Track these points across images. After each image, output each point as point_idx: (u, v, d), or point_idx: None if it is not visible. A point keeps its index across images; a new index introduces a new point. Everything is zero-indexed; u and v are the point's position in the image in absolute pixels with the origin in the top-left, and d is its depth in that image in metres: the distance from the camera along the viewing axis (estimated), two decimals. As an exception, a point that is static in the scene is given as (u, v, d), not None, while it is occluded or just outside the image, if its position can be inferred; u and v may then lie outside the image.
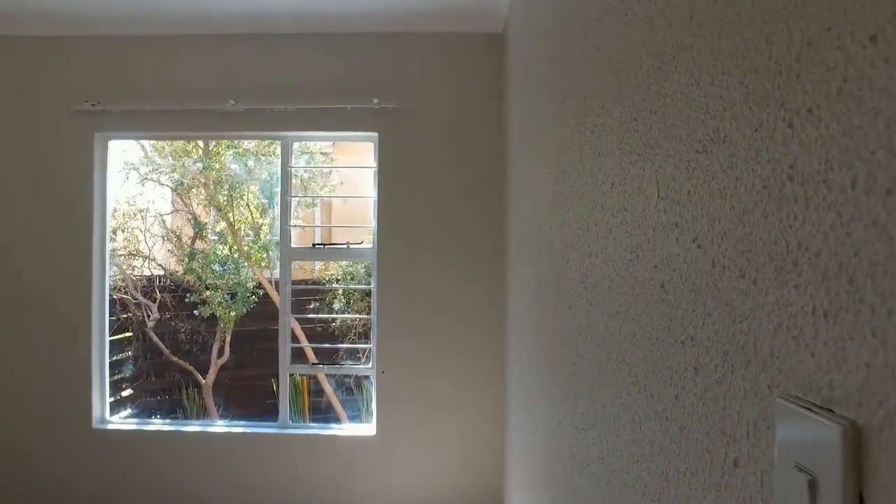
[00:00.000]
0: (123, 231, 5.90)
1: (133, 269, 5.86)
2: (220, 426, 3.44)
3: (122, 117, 3.31)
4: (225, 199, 5.04)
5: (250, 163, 4.94)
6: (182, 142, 4.90)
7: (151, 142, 5.09)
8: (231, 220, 5.17)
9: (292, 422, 5.93)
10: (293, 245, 3.42)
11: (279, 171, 3.44)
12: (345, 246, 3.37)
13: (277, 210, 3.47)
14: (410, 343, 3.29)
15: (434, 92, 3.29)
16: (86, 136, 3.34)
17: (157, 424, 3.45)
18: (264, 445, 3.35)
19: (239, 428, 3.40)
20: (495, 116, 3.25)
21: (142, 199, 5.86)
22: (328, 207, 7.15)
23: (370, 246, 3.39)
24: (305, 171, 5.25)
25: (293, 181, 4.71)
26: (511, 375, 2.86)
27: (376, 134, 3.30)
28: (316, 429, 3.41)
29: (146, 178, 5.89)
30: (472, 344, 3.28)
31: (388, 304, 3.29)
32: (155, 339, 5.42)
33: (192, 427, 3.42)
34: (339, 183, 5.78)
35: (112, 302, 5.91)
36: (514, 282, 2.70)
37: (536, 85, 2.05)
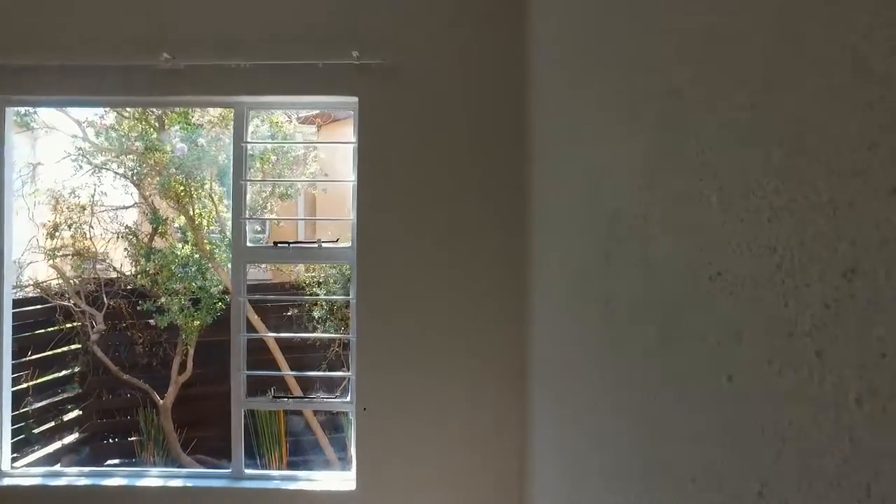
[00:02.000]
0: (70, 227, 5.09)
1: (82, 272, 5.05)
2: (154, 476, 2.65)
3: (21, 76, 2.52)
4: (182, 188, 4.24)
5: (201, 141, 4.11)
6: (131, 120, 4.11)
7: (92, 123, 4.27)
8: (191, 213, 4.37)
9: (258, 464, 5.18)
10: (250, 244, 2.65)
11: (230, 150, 2.66)
12: (314, 245, 2.59)
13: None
14: (399, 372, 2.52)
15: (432, 43, 2.51)
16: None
17: (71, 476, 2.66)
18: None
19: (178, 480, 2.62)
20: (514, 72, 2.47)
21: (90, 191, 5.05)
22: (312, 200, 6.30)
23: (347, 245, 2.62)
24: (277, 155, 4.43)
25: (256, 164, 3.93)
26: (541, 420, 2.09)
27: (356, 99, 2.52)
28: (278, 481, 2.63)
29: (103, 167, 5.09)
30: (481, 374, 2.51)
31: (370, 320, 2.52)
32: (99, 353, 4.62)
33: (118, 479, 2.63)
34: (317, 171, 4.98)
35: (52, 309, 5.13)
36: (549, 290, 1.93)
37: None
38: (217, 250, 4.71)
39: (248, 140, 2.62)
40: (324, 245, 2.58)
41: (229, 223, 3.97)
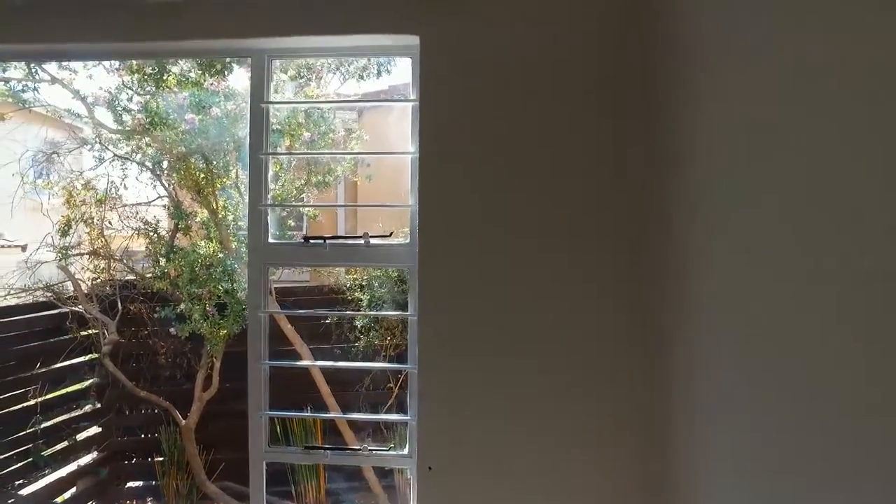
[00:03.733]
0: (87, 223, 4.54)
1: (99, 273, 4.49)
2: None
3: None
4: (203, 176, 3.60)
5: (215, 110, 3.41)
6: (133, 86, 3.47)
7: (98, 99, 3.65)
8: (214, 206, 3.74)
9: (292, 493, 4.52)
10: (273, 240, 1.96)
11: (247, 114, 1.97)
12: (360, 242, 1.88)
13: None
14: (478, 418, 1.80)
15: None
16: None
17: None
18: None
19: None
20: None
21: (107, 182, 4.49)
22: (353, 190, 5.56)
23: (404, 241, 1.90)
24: (310, 133, 3.70)
25: (284, 143, 3.26)
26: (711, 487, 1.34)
27: (416, 39, 1.80)
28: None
29: (126, 158, 4.53)
30: (593, 420, 1.77)
31: (438, 346, 1.80)
32: (110, 367, 4.04)
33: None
34: (359, 159, 4.26)
35: (63, 316, 4.56)
36: (740, 283, 1.17)
37: None
38: (245, 248, 4.08)
39: (270, 100, 1.92)
40: (372, 241, 1.87)
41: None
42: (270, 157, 1.96)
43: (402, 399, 4.48)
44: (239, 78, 3.56)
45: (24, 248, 5.20)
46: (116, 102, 3.60)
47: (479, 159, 1.78)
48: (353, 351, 4.28)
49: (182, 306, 3.96)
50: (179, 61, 3.35)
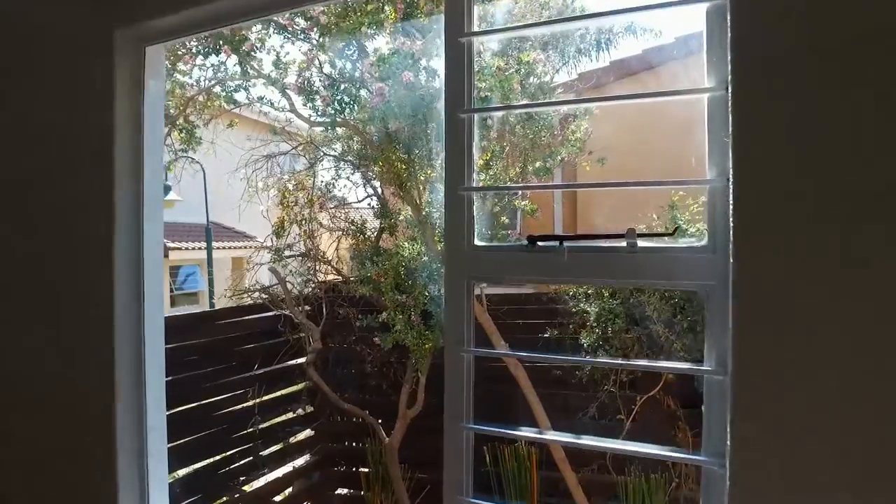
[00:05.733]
0: (300, 224, 4.45)
1: (307, 276, 4.37)
2: None
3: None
4: (404, 168, 3.13)
5: (408, 74, 2.77)
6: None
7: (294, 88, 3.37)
8: (417, 201, 3.27)
9: None
10: (481, 242, 1.30)
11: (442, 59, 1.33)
12: (621, 244, 1.12)
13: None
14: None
15: None
16: (99, 38, 1.65)
17: None
18: None
19: None
20: None
21: (317, 181, 4.35)
22: (571, 178, 4.69)
23: (695, 243, 1.10)
24: (523, 87, 2.92)
25: (492, 97, 2.65)
26: None
27: None
28: None
29: (336, 157, 4.37)
30: None
31: (767, 431, 0.97)
32: (314, 376, 3.82)
33: None
34: (584, 137, 3.46)
35: (278, 318, 4.49)
36: None
37: None
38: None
39: (474, 29, 1.27)
40: (640, 244, 1.11)
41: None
42: (475, 115, 1.30)
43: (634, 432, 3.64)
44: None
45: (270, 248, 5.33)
46: (306, 83, 3.30)
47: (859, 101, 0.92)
48: (578, 376, 3.53)
49: (384, 315, 3.58)
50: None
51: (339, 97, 3.02)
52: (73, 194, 1.75)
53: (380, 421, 4.21)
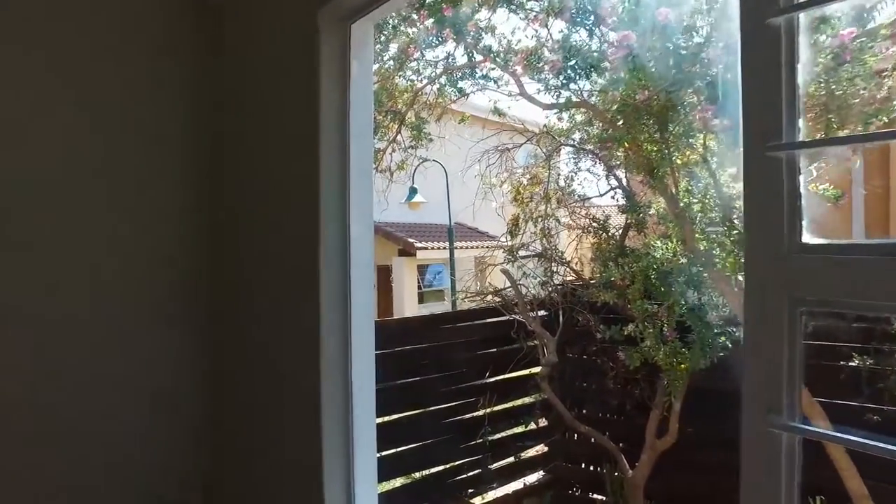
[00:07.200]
0: (535, 222, 4.10)
1: (542, 278, 3.99)
2: None
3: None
4: (656, 149, 2.55)
5: (664, 11, 2.09)
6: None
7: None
8: (671, 191, 2.67)
9: None
10: (816, 239, 0.76)
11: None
12: None
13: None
14: None
15: None
16: (303, 21, 1.48)
17: None
18: None
19: None
20: None
21: (554, 175, 3.95)
22: (882, 162, 3.57)
23: None
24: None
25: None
26: None
27: None
28: None
29: (574, 146, 3.97)
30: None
31: None
32: (547, 391, 3.42)
33: None
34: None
35: (511, 324, 4.08)
36: None
37: None
38: (720, 251, 2.84)
39: None
40: None
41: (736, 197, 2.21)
42: (800, 15, 0.76)
43: None
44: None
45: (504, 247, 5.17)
46: (533, 55, 2.88)
47: None
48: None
49: (630, 327, 3.02)
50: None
51: (571, 62, 2.56)
52: (280, 190, 1.63)
53: (621, 445, 3.67)
